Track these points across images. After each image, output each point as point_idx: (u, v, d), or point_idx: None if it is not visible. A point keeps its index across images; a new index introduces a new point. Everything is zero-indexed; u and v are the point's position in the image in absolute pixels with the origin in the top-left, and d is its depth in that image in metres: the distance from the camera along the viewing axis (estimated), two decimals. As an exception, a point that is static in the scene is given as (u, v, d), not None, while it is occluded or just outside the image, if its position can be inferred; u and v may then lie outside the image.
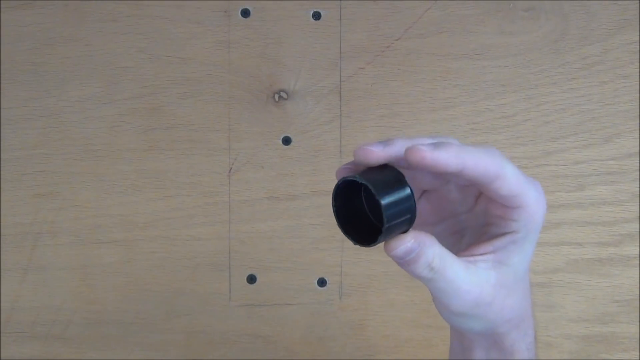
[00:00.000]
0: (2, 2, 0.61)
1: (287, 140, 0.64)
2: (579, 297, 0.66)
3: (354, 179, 0.36)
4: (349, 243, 0.66)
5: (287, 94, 0.63)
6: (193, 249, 0.65)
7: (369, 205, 0.39)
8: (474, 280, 0.39)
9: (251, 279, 0.65)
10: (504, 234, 0.40)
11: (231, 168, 0.64)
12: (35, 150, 0.63)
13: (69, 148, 0.63)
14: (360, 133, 0.64)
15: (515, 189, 0.39)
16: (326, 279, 0.66)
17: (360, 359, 0.67)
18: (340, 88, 0.64)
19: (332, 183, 0.64)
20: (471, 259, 0.40)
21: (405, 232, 0.37)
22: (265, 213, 0.65)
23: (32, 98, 0.63)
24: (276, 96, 0.63)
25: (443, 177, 0.41)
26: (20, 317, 0.65)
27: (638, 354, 0.67)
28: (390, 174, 0.36)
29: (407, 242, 0.37)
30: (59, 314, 0.65)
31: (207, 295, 0.65)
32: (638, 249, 0.66)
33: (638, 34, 0.64)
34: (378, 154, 0.37)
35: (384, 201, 0.35)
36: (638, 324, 0.66)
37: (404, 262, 0.38)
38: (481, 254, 0.40)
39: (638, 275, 0.66)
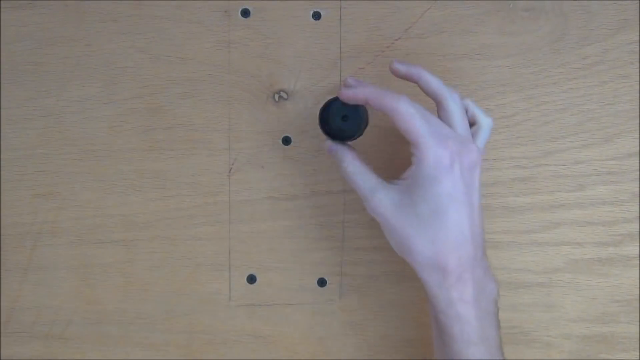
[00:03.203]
0: (2, 2, 0.61)
1: (287, 140, 0.64)
2: (579, 297, 0.66)
3: (335, 99, 0.56)
4: (349, 243, 0.66)
5: (287, 94, 0.63)
6: (193, 249, 0.65)
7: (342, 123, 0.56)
8: (378, 192, 0.51)
9: (251, 279, 0.65)
10: (411, 166, 0.50)
11: (231, 168, 0.64)
12: (35, 150, 0.63)
13: (69, 148, 0.63)
14: (360, 133, 0.64)
15: (404, 126, 0.49)
16: (326, 279, 0.66)
17: (360, 359, 0.67)
18: (340, 88, 0.64)
19: (332, 183, 0.64)
20: (394, 180, 0.52)
21: (353, 134, 0.56)
22: (265, 213, 0.65)
23: (32, 98, 0.63)
24: (276, 96, 0.63)
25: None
26: (21, 317, 0.65)
27: (638, 354, 0.67)
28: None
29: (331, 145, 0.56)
30: (59, 314, 0.65)
31: (207, 295, 0.65)
32: (638, 249, 0.66)
33: (638, 34, 0.64)
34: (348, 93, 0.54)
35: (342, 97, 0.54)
36: (638, 324, 0.66)
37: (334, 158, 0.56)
38: (401, 179, 0.52)
39: (638, 275, 0.66)
